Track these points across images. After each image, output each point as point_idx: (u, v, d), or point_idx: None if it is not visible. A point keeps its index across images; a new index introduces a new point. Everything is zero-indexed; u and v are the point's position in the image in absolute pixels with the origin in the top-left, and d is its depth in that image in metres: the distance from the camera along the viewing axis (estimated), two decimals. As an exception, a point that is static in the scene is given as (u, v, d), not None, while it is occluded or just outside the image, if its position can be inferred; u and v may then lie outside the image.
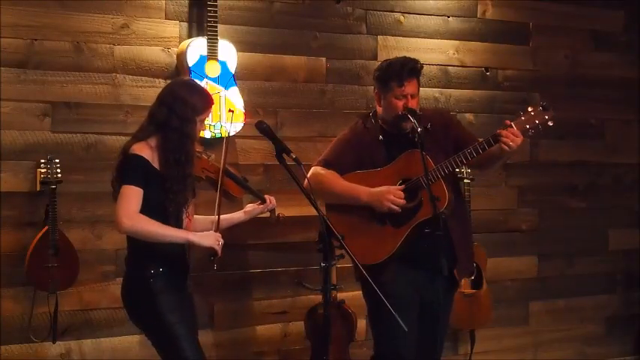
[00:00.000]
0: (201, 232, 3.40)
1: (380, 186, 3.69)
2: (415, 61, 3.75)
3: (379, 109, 3.82)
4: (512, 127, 3.52)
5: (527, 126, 3.55)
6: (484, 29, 5.23)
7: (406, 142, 3.69)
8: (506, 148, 3.51)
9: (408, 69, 3.70)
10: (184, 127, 3.30)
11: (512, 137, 3.50)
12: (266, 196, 3.68)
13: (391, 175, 3.73)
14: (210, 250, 3.33)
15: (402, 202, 3.63)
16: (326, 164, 3.85)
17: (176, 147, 3.27)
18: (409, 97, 3.69)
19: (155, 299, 3.27)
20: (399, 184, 3.70)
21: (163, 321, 3.26)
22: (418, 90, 3.76)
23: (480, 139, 3.64)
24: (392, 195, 3.64)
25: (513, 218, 5.40)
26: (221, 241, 3.35)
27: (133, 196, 3.20)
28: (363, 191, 3.71)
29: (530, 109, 3.60)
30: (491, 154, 3.64)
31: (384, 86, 3.74)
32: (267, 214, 3.75)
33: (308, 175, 3.60)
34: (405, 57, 3.83)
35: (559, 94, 5.45)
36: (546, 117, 3.56)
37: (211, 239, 3.33)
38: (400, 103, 3.69)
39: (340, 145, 3.90)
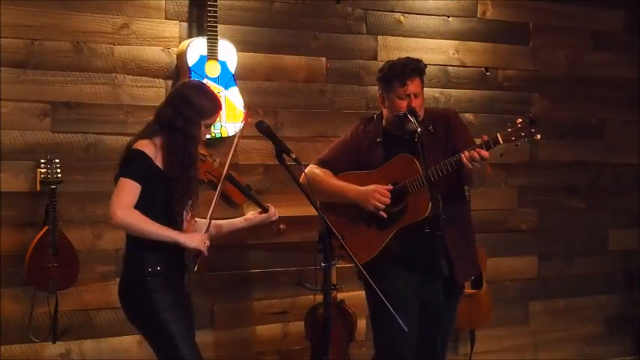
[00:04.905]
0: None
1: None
2: (418, 61, 3.74)
3: (384, 111, 3.81)
4: (481, 146, 3.50)
5: (513, 138, 3.53)
6: (484, 29, 5.22)
7: (406, 143, 3.66)
8: (469, 165, 3.49)
9: (410, 68, 3.69)
10: (188, 128, 3.30)
11: (475, 156, 3.47)
12: (269, 206, 3.65)
13: (382, 177, 3.74)
14: (196, 251, 3.35)
15: (388, 201, 3.66)
16: (321, 163, 3.90)
17: (180, 148, 3.27)
18: (412, 96, 3.67)
19: (151, 298, 3.27)
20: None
21: (159, 320, 3.27)
22: (422, 90, 3.74)
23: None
24: (378, 194, 3.66)
25: (513, 218, 5.39)
26: (207, 243, 3.35)
27: (129, 189, 3.21)
28: (351, 189, 3.75)
29: (519, 121, 3.57)
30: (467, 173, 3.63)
31: (387, 86, 3.73)
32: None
33: (305, 171, 3.61)
34: (407, 57, 3.82)
35: (559, 94, 5.46)
36: (532, 130, 3.53)
37: (197, 240, 3.33)
38: (403, 103, 3.67)
39: (338, 146, 3.94)
